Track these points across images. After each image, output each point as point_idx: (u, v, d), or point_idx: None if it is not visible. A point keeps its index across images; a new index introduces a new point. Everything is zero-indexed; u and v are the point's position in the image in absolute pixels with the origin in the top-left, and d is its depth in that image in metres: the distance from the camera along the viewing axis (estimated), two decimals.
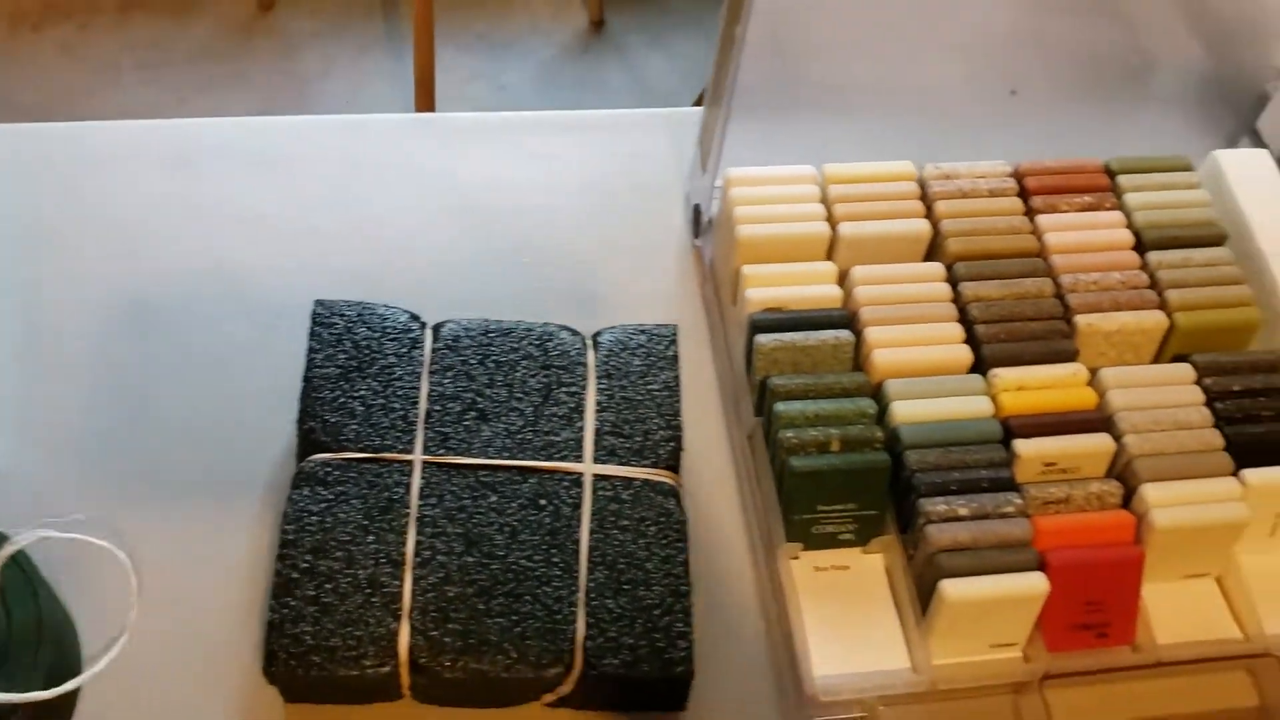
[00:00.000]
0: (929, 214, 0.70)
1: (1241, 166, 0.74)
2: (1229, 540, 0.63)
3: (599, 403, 0.62)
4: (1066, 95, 0.77)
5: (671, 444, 0.62)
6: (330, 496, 0.58)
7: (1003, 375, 0.64)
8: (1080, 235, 0.70)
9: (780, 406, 0.63)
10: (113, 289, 0.72)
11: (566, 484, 0.59)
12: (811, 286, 0.67)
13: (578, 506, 0.59)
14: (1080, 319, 0.67)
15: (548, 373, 0.63)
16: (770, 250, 0.68)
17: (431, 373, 0.62)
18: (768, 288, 0.67)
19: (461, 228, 0.76)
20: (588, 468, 0.60)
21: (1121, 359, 0.68)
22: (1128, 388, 0.65)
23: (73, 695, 0.58)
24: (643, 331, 0.65)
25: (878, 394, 0.64)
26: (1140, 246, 0.70)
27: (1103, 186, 0.72)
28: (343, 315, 0.63)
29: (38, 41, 1.68)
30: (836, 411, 0.63)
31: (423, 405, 0.61)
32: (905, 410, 0.63)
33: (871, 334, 0.65)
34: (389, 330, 0.63)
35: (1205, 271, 0.69)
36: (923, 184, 0.71)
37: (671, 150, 0.81)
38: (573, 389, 0.62)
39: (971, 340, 0.66)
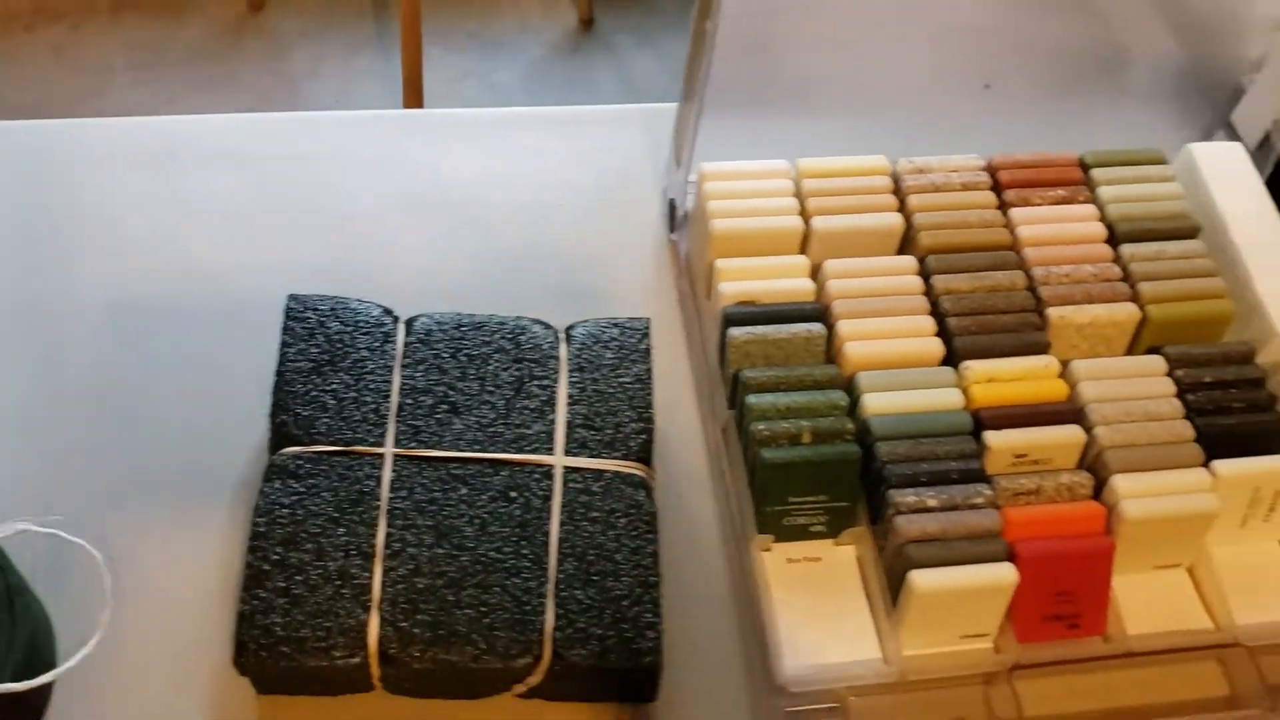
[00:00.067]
0: (902, 208, 0.70)
1: (1216, 159, 0.74)
2: (1199, 531, 0.63)
3: (570, 396, 0.62)
4: (1043, 89, 0.77)
5: (643, 437, 0.62)
6: (301, 489, 0.58)
7: (974, 367, 0.64)
8: (1053, 228, 0.70)
9: (752, 399, 0.63)
10: (90, 285, 0.72)
11: (537, 476, 0.60)
12: (784, 280, 0.68)
13: (548, 499, 0.59)
14: (1052, 311, 0.67)
15: (520, 366, 0.63)
16: (744, 244, 0.69)
17: (404, 366, 0.62)
18: (741, 281, 0.67)
19: (439, 223, 0.77)
20: (558, 460, 0.60)
21: (1094, 351, 0.68)
22: (1099, 379, 0.65)
23: (47, 689, 0.58)
24: (615, 325, 0.65)
25: (850, 386, 0.64)
26: (1113, 239, 0.70)
27: (1076, 180, 0.72)
28: (316, 309, 0.64)
29: (30, 42, 1.69)
30: (808, 404, 0.63)
31: (394, 399, 0.61)
32: (876, 402, 0.63)
33: (843, 327, 0.66)
34: (362, 324, 0.63)
35: (1178, 264, 0.70)
36: (896, 178, 0.71)
37: (649, 146, 0.81)
38: (544, 382, 0.63)
39: (943, 333, 0.66)
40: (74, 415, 0.67)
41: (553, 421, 0.61)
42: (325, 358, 0.62)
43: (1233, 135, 0.78)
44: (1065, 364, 0.66)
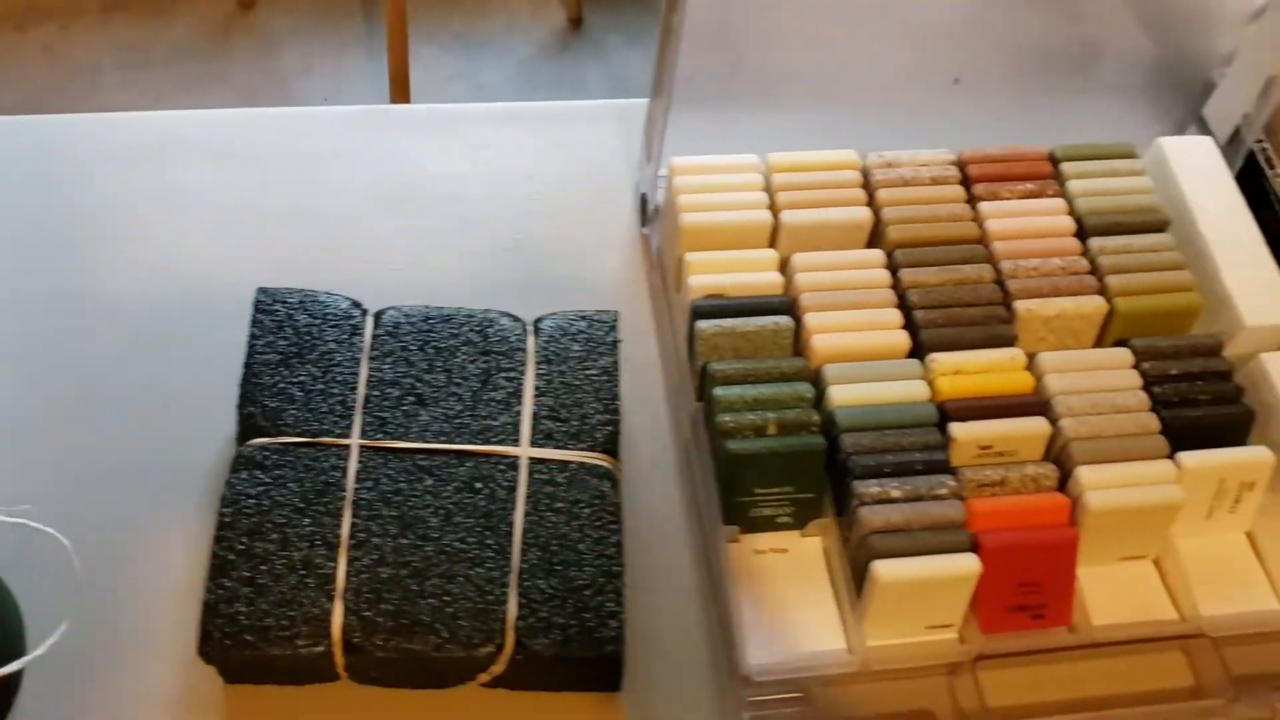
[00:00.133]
0: (871, 202, 0.71)
1: (1185, 153, 0.74)
2: (1164, 522, 0.63)
3: (537, 388, 0.63)
4: (1015, 84, 0.78)
5: (609, 428, 0.62)
6: (268, 480, 0.59)
7: (940, 360, 0.65)
8: (1021, 222, 0.70)
9: (719, 391, 0.63)
10: (60, 278, 0.73)
11: (503, 467, 0.60)
12: (753, 273, 0.68)
13: (513, 489, 0.59)
14: (1019, 304, 0.67)
15: (487, 358, 0.63)
16: (713, 238, 0.69)
17: (371, 358, 0.63)
18: (709, 274, 0.68)
19: (415, 217, 0.77)
20: (524, 451, 0.61)
21: (1062, 344, 0.68)
22: (1065, 372, 0.65)
23: (17, 676, 0.59)
24: (583, 318, 0.66)
25: (816, 379, 0.64)
26: (1082, 233, 0.71)
27: (1045, 174, 0.73)
28: (284, 302, 0.64)
29: (21, 42, 1.70)
30: (774, 396, 0.63)
31: (361, 390, 0.62)
32: (842, 394, 0.63)
33: (811, 320, 0.66)
34: (330, 317, 0.64)
35: (1147, 257, 0.70)
36: (865, 173, 0.72)
37: (624, 141, 0.81)
38: (511, 374, 0.63)
39: (911, 326, 0.67)
40: (44, 405, 0.68)
41: (519, 413, 0.62)
42: (293, 350, 0.62)
43: (1205, 129, 0.78)
44: (1032, 357, 0.66)
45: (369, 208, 0.77)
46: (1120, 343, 0.67)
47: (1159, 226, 0.71)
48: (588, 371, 0.64)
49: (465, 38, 1.71)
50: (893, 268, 0.68)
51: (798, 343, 0.66)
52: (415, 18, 1.69)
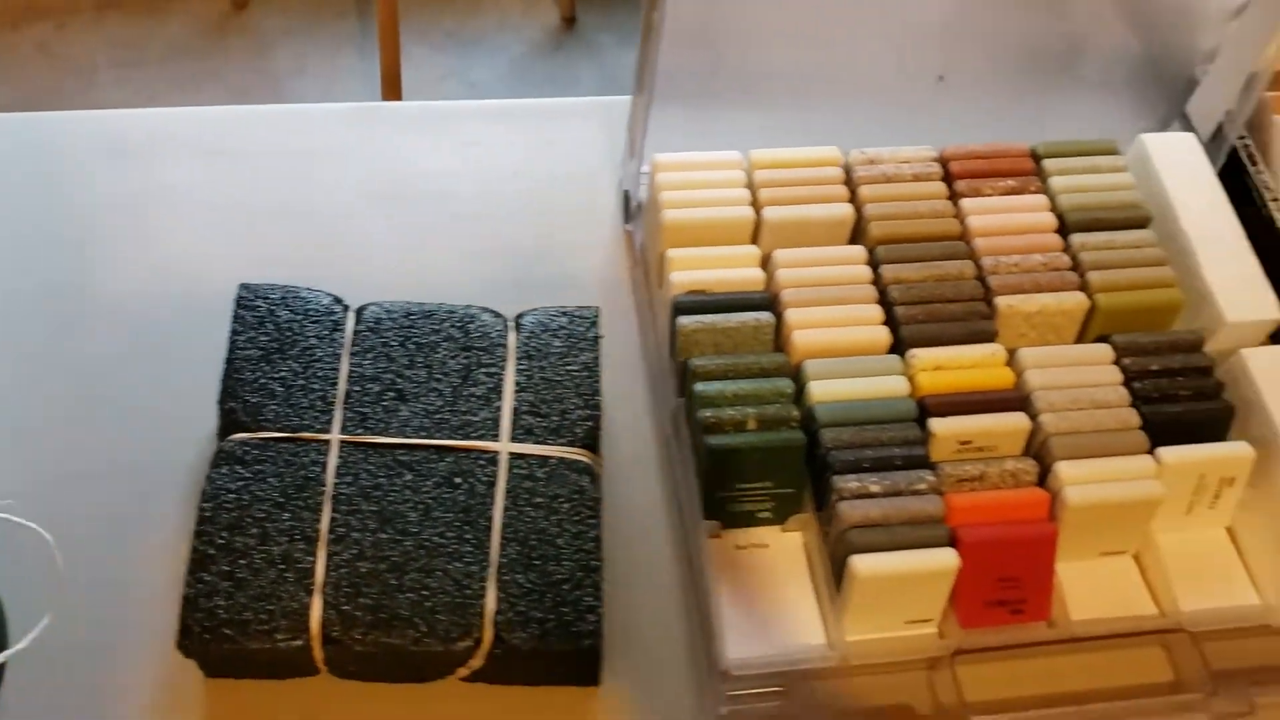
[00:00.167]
0: (853, 199, 0.71)
1: (1168, 150, 0.74)
2: (1144, 518, 0.63)
3: (518, 383, 0.63)
4: (999, 82, 0.78)
5: (589, 423, 0.62)
6: (248, 475, 0.59)
7: (920, 355, 0.65)
8: (1003, 218, 0.70)
9: (699, 386, 0.63)
10: (47, 274, 0.73)
11: (482, 462, 0.60)
12: (735, 269, 0.68)
13: (492, 484, 0.59)
14: (1000, 300, 0.67)
15: (468, 354, 0.63)
16: (695, 234, 0.69)
17: (352, 354, 0.63)
18: (692, 271, 0.68)
19: (401, 214, 0.77)
20: (504, 446, 0.61)
21: (1043, 340, 0.68)
22: (1045, 367, 0.65)
23: None
24: (564, 314, 0.66)
25: (797, 374, 0.65)
26: (1064, 229, 0.71)
27: (1028, 170, 0.73)
28: (266, 298, 0.64)
29: (16, 41, 1.70)
30: (755, 391, 0.63)
31: (342, 386, 0.62)
32: (822, 390, 0.64)
33: (792, 315, 0.66)
34: (311, 313, 0.64)
35: (1129, 253, 0.70)
36: (848, 169, 0.72)
37: (611, 138, 0.82)
38: (492, 370, 0.63)
39: (892, 322, 0.67)
40: (29, 400, 0.68)
41: (499, 408, 0.62)
42: (274, 346, 0.63)
43: (1188, 126, 0.78)
44: (1013, 352, 0.66)
45: (358, 204, 0.78)
46: (1102, 339, 0.68)
47: (1141, 223, 0.71)
48: (568, 367, 0.64)
49: (458, 36, 1.72)
50: (874, 264, 0.68)
51: (779, 339, 0.67)
52: (408, 17, 1.69)
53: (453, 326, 0.64)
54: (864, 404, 0.63)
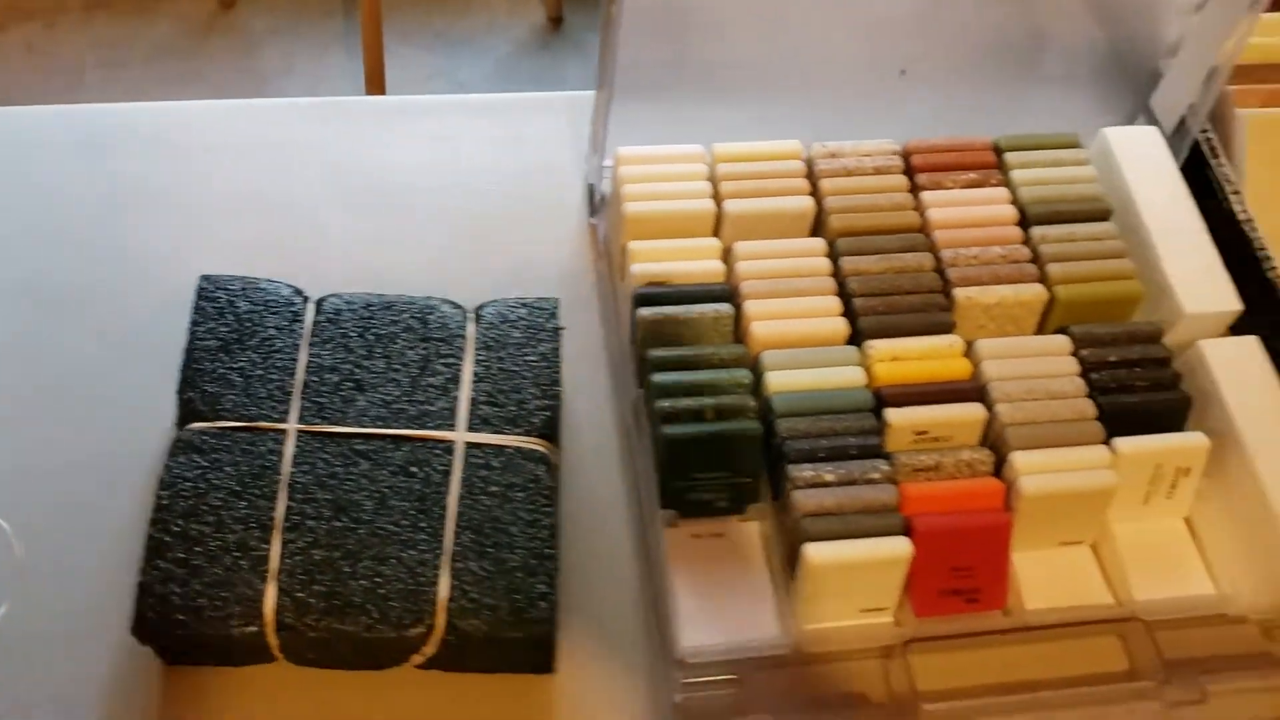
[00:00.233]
0: (815, 191, 0.71)
1: (1131, 143, 0.74)
2: (1099, 507, 0.64)
3: (476, 374, 0.63)
4: (963, 75, 0.78)
5: (546, 413, 0.63)
6: (205, 463, 0.59)
7: (877, 346, 0.65)
8: (963, 211, 0.71)
9: (657, 376, 0.64)
10: (7, 266, 0.73)
11: (438, 452, 0.61)
12: (695, 261, 0.69)
13: (448, 473, 0.60)
14: (959, 292, 0.68)
15: (426, 345, 0.64)
16: (657, 227, 0.70)
17: (311, 345, 0.63)
18: (652, 263, 0.68)
19: (367, 207, 0.78)
20: (460, 436, 0.61)
21: (1002, 331, 0.69)
22: (1002, 358, 0.66)
23: None
24: (524, 305, 0.66)
25: (755, 365, 0.65)
26: (1025, 222, 0.71)
27: (989, 164, 0.73)
28: (226, 289, 0.65)
29: (4, 41, 1.71)
30: (712, 381, 0.64)
31: (300, 376, 0.62)
32: (779, 380, 0.64)
33: (751, 307, 0.66)
34: (271, 304, 0.64)
35: (1089, 245, 0.70)
36: (809, 163, 0.72)
37: (578, 133, 0.82)
38: (450, 360, 0.63)
39: (850, 313, 0.67)
40: None
41: (456, 398, 0.62)
42: (234, 336, 0.63)
43: (1152, 119, 0.79)
44: (970, 343, 0.66)
45: (326, 198, 0.78)
46: (1060, 330, 0.68)
47: (1101, 215, 0.72)
48: (527, 357, 0.64)
49: (445, 36, 1.72)
50: (834, 256, 0.69)
51: (738, 330, 0.67)
52: (395, 17, 1.70)
53: (412, 318, 0.65)
54: (821, 394, 0.64)
